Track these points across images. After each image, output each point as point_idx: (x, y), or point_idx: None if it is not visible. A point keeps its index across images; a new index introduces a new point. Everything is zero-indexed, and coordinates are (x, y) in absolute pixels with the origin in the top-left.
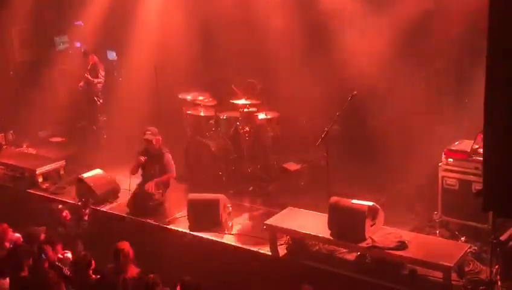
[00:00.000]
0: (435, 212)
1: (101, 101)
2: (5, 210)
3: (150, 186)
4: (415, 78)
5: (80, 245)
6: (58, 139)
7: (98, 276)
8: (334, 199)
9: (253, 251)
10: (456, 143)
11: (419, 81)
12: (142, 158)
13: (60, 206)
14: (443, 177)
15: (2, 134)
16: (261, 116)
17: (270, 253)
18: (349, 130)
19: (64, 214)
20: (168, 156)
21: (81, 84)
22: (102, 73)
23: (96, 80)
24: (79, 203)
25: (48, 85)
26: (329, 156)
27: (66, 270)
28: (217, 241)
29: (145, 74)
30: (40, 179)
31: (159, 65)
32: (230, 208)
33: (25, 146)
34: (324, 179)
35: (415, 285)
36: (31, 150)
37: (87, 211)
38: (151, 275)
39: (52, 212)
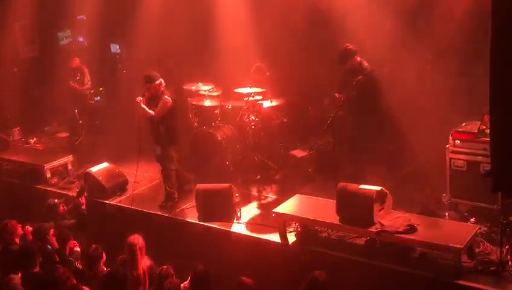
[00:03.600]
0: (444, 195)
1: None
2: (14, 206)
3: (139, 101)
4: (421, 60)
5: (81, 237)
6: (65, 134)
7: (109, 269)
8: (342, 184)
9: (262, 239)
10: (463, 124)
11: (425, 63)
12: (138, 99)
13: (56, 200)
14: (451, 159)
15: (9, 131)
16: (267, 104)
17: (279, 241)
18: (355, 115)
19: (60, 208)
20: (164, 100)
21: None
22: (88, 77)
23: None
24: (73, 194)
25: (52, 80)
26: (336, 141)
27: (78, 264)
28: (226, 230)
29: (149, 66)
30: (49, 175)
31: (162, 56)
32: (238, 197)
33: (32, 142)
34: (331, 165)
35: (425, 268)
36: (38, 146)
37: (83, 200)
38: (164, 267)
39: (49, 208)
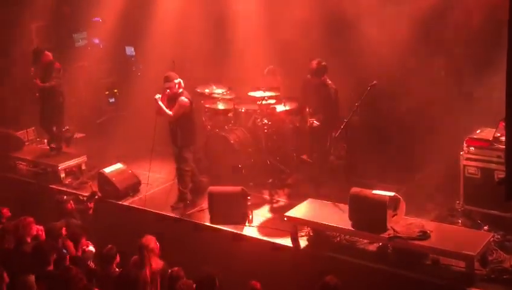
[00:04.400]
0: (457, 202)
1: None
2: (28, 205)
3: (157, 98)
4: (435, 66)
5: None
6: (79, 134)
7: (121, 269)
8: (354, 189)
9: (274, 242)
10: (478, 131)
11: (439, 69)
12: (156, 96)
13: (65, 197)
14: (465, 166)
15: (24, 131)
16: (280, 108)
17: (291, 245)
18: (369, 120)
19: (69, 205)
20: (180, 100)
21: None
22: (55, 74)
23: (48, 84)
24: (84, 197)
25: (67, 82)
26: (349, 146)
27: (91, 263)
28: (238, 233)
29: (163, 69)
30: (63, 175)
31: (176, 59)
32: (250, 201)
33: (46, 142)
34: (344, 170)
35: (438, 275)
36: (52, 146)
37: (92, 205)
38: (175, 268)
39: (58, 203)
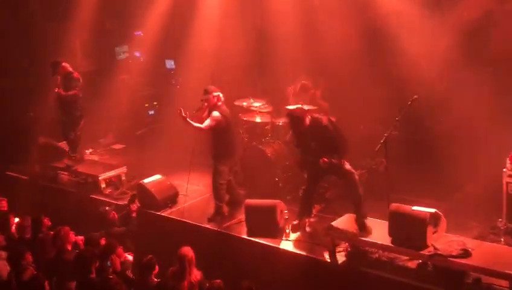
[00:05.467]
0: (499, 219)
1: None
2: (69, 215)
3: (185, 113)
4: (477, 80)
5: (129, 245)
6: (119, 146)
7: (159, 280)
8: (394, 205)
9: (311, 257)
10: None
11: (482, 83)
12: (180, 112)
13: (107, 208)
14: (508, 183)
15: (66, 141)
16: None
17: (328, 260)
18: (409, 135)
19: (111, 215)
20: (212, 114)
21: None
22: (75, 83)
23: (70, 93)
24: (126, 202)
25: (108, 94)
26: (388, 162)
27: (129, 273)
28: (275, 247)
29: (202, 82)
30: (103, 185)
31: (215, 73)
32: (288, 214)
33: (87, 153)
34: (383, 186)
35: None
36: (94, 157)
37: (135, 207)
38: (217, 281)
39: (101, 215)
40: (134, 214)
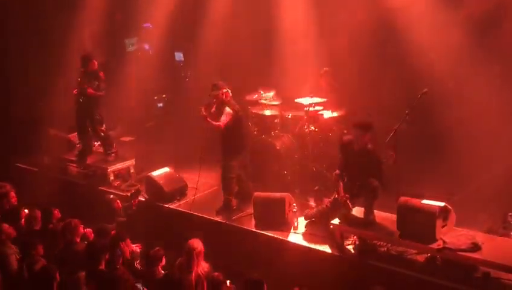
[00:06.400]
0: (510, 214)
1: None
2: (77, 206)
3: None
4: (489, 74)
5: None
6: (128, 138)
7: (166, 271)
8: (403, 199)
9: (319, 250)
10: None
11: (494, 77)
12: (202, 112)
13: (112, 196)
14: None
15: (75, 133)
16: (327, 114)
17: (337, 253)
18: (418, 128)
19: (116, 204)
20: (225, 110)
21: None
22: (102, 84)
23: (100, 93)
24: (129, 194)
25: (117, 86)
26: (397, 155)
27: (137, 264)
28: (283, 239)
29: (211, 75)
30: (112, 177)
31: (224, 66)
32: (296, 207)
33: (96, 145)
34: (392, 179)
35: (488, 288)
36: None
37: (135, 201)
38: (215, 273)
39: (106, 203)
40: (134, 207)
